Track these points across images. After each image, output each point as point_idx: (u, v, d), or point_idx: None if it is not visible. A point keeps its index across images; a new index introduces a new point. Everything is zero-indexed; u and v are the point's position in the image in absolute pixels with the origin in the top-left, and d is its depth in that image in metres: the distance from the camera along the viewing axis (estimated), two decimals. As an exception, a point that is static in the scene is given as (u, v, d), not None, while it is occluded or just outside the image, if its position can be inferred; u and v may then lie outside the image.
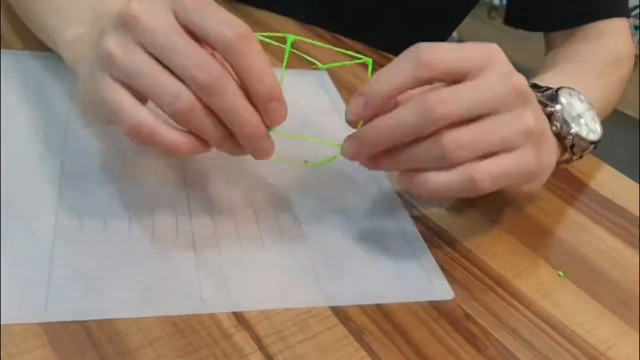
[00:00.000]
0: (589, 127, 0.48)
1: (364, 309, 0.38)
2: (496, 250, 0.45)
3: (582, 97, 0.49)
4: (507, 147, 0.39)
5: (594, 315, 0.41)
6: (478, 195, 0.39)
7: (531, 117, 0.40)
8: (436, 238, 0.45)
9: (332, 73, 0.65)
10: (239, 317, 0.36)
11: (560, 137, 0.46)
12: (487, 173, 0.38)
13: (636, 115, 1.96)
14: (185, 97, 0.35)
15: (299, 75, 0.64)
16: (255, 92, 0.36)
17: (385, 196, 0.48)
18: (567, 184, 0.54)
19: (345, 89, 0.63)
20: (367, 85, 0.38)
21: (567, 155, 0.48)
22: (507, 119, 0.38)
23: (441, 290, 0.41)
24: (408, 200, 0.48)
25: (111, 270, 0.37)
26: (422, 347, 0.37)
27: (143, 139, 0.36)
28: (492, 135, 0.38)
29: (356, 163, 0.40)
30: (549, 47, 0.73)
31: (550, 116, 0.46)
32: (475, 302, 0.40)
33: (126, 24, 0.36)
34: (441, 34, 0.91)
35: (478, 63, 0.38)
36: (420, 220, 0.46)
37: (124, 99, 0.36)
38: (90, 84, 0.38)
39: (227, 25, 0.35)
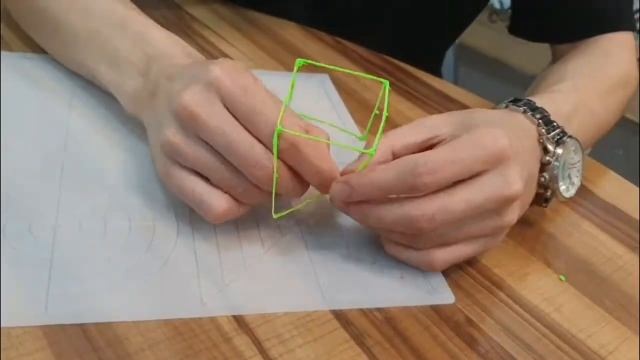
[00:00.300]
0: (571, 182, 0.47)
1: (364, 312, 0.38)
2: (497, 255, 0.45)
3: (579, 148, 0.48)
4: (477, 237, 0.41)
5: (595, 320, 0.41)
6: None
7: (515, 213, 0.40)
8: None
9: (332, 76, 0.65)
10: (239, 321, 0.36)
11: (542, 186, 0.45)
12: (443, 262, 0.40)
13: (636, 119, 1.96)
14: (247, 191, 0.38)
15: (300, 79, 0.64)
16: (310, 181, 0.40)
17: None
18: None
19: (346, 92, 0.63)
20: (356, 178, 0.38)
21: (539, 204, 0.47)
22: (488, 220, 0.40)
23: (442, 294, 0.41)
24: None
25: (111, 273, 0.37)
26: (423, 351, 0.36)
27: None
28: (466, 234, 0.40)
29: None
30: (555, 57, 0.73)
31: (544, 165, 0.45)
32: (476, 307, 0.40)
33: (184, 120, 0.38)
34: (446, 39, 0.90)
35: (479, 169, 0.39)
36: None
37: (200, 192, 0.39)
38: (163, 171, 0.40)
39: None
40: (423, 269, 0.41)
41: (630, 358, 0.39)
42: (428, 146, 0.41)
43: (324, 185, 0.39)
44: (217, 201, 0.38)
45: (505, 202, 0.39)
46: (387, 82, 0.39)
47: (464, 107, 0.65)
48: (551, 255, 0.46)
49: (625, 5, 0.70)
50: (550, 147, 0.45)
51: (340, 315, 0.38)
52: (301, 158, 0.38)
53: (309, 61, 0.39)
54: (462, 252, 0.41)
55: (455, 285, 0.41)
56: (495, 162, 0.39)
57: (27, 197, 0.41)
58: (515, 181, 0.39)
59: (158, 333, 0.34)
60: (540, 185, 0.45)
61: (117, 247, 0.39)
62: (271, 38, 0.71)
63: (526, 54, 0.78)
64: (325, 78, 0.65)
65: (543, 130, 0.45)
